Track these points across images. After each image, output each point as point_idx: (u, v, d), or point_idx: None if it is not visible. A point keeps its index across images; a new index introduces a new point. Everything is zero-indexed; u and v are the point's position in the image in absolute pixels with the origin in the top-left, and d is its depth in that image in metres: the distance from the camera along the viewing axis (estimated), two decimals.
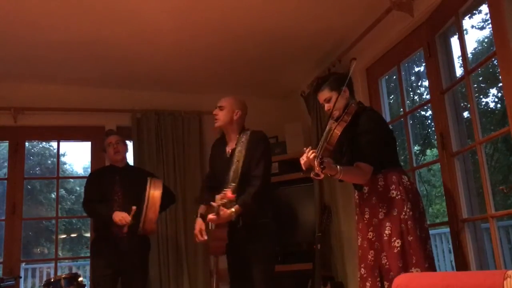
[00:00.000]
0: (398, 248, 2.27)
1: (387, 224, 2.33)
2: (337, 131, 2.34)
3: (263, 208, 3.05)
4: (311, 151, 2.21)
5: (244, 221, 3.00)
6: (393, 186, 2.37)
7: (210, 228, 3.10)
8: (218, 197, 2.83)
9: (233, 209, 2.89)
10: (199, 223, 3.13)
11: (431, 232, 2.52)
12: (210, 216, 2.92)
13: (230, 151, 3.15)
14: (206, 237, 3.08)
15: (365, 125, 2.46)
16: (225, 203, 2.79)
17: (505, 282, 1.44)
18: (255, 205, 2.96)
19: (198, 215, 3.16)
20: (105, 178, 3.58)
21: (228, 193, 2.78)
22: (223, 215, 2.86)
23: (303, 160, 2.27)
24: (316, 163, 2.14)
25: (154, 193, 3.29)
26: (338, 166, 2.30)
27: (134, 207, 3.31)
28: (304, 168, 2.28)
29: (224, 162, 3.12)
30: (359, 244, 2.51)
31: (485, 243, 2.64)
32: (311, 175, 2.26)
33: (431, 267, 2.31)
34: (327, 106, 2.60)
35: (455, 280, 1.70)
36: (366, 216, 2.46)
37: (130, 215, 3.30)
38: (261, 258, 3.00)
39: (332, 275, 3.70)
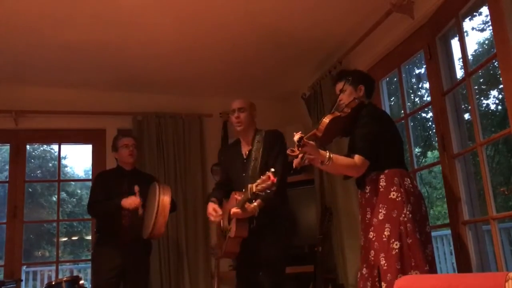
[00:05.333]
0: (397, 250, 2.26)
1: (387, 225, 2.32)
2: (326, 119, 2.36)
3: (276, 208, 2.96)
4: (298, 133, 2.22)
5: (258, 221, 2.89)
6: (394, 188, 2.36)
7: (228, 225, 2.97)
8: (250, 186, 2.63)
9: (255, 204, 2.79)
10: (212, 205, 3.00)
11: (432, 234, 2.51)
12: (234, 209, 2.79)
13: (247, 152, 3.08)
14: (221, 212, 2.94)
15: (363, 119, 2.46)
16: (267, 186, 2.52)
17: (506, 284, 1.44)
18: (278, 200, 2.88)
19: (211, 202, 3.04)
20: (112, 181, 3.55)
21: (271, 176, 2.49)
22: (247, 208, 2.76)
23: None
24: (296, 142, 2.16)
25: (164, 198, 3.27)
26: (328, 152, 2.29)
27: (136, 187, 3.32)
28: (294, 166, 2.32)
29: (241, 164, 3.05)
30: (362, 244, 2.51)
31: (486, 245, 2.63)
32: (287, 151, 2.26)
33: (432, 271, 2.29)
34: (339, 97, 2.60)
35: (456, 282, 1.69)
36: (367, 216, 2.46)
37: (136, 196, 3.31)
38: (271, 261, 2.93)
39: (333, 277, 3.69)
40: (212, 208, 3.00)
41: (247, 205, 2.76)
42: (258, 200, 2.80)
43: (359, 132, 2.42)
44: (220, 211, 2.96)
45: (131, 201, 3.31)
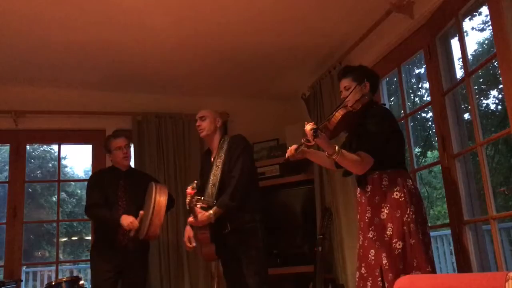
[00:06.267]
0: (399, 250, 2.26)
1: (389, 225, 2.32)
2: (339, 113, 2.35)
3: (250, 212, 3.07)
4: (310, 123, 2.24)
5: (231, 225, 3.04)
6: (397, 188, 2.36)
7: (194, 234, 3.17)
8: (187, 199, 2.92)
9: (211, 211, 2.97)
10: (188, 231, 3.22)
11: (432, 234, 2.51)
12: (189, 218, 3.02)
13: (213, 159, 3.25)
14: (194, 244, 3.17)
15: (373, 117, 2.44)
16: (190, 200, 2.86)
17: (506, 284, 1.44)
18: (235, 204, 2.99)
19: (188, 224, 3.21)
20: (108, 182, 3.52)
21: (188, 189, 2.86)
22: (201, 218, 2.94)
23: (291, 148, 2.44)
24: (311, 132, 2.17)
25: (160, 199, 3.27)
26: (336, 146, 2.29)
27: (142, 212, 3.30)
28: (287, 156, 2.45)
29: (209, 170, 3.20)
30: (360, 243, 2.49)
31: (486, 244, 2.63)
32: (302, 140, 2.29)
33: (433, 272, 2.29)
34: (344, 94, 2.58)
35: (456, 282, 1.70)
36: (367, 215, 2.45)
37: (137, 220, 3.28)
38: (252, 262, 3.04)
39: (333, 278, 3.69)
40: (187, 236, 3.21)
41: (201, 214, 2.95)
42: (214, 207, 2.98)
43: (370, 129, 2.41)
44: (193, 243, 3.18)
45: (129, 222, 3.26)
